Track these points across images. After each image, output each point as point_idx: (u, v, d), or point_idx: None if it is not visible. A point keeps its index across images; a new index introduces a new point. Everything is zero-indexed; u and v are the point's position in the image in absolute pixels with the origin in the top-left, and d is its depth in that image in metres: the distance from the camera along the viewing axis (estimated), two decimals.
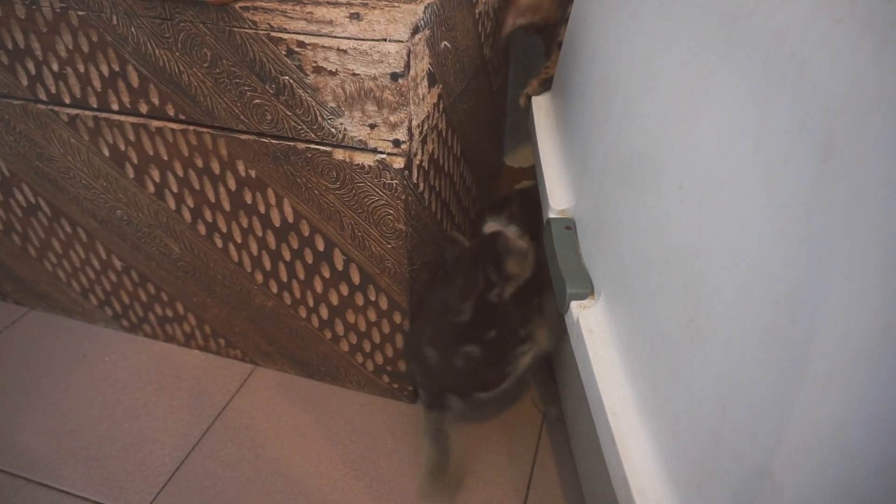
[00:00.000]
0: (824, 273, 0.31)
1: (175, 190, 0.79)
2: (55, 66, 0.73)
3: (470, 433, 0.85)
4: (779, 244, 0.35)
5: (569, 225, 0.66)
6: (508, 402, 0.88)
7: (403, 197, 0.69)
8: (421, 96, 0.67)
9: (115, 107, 0.74)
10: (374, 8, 0.63)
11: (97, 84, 0.73)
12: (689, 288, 0.42)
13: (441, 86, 0.74)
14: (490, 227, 0.77)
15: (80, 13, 0.68)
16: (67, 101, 0.76)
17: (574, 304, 0.58)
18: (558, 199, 0.70)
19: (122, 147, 0.77)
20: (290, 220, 0.76)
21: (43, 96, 0.76)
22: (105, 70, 0.72)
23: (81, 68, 0.72)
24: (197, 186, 0.77)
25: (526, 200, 0.92)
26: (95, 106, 0.75)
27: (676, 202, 0.45)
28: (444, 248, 0.81)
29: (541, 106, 0.88)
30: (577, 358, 0.56)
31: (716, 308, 0.39)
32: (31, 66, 0.74)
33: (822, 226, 0.32)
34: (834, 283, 0.31)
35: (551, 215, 0.69)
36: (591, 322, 0.55)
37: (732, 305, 0.38)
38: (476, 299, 0.71)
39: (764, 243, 0.36)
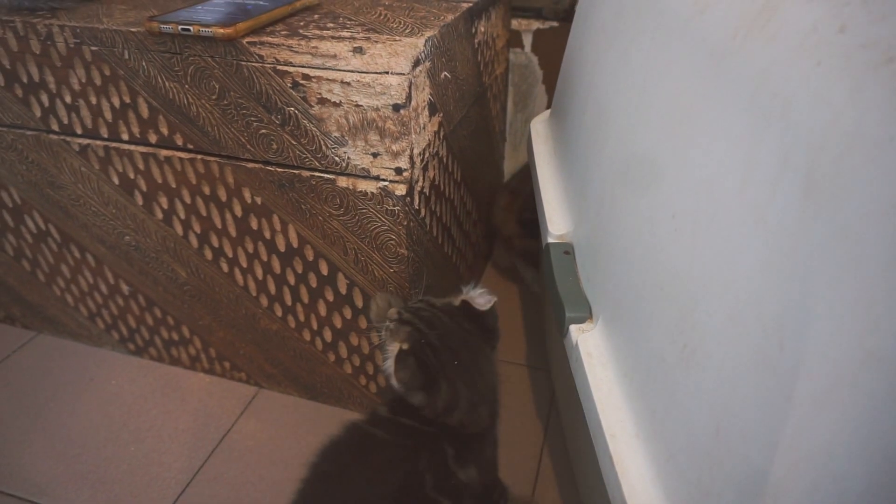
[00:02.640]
0: (809, 301, 0.33)
1: (182, 216, 0.81)
2: (68, 99, 0.76)
3: None
4: (766, 273, 0.36)
5: (567, 250, 0.68)
6: (510, 425, 0.89)
7: (405, 223, 0.71)
8: (422, 125, 0.69)
9: (126, 137, 0.76)
10: (376, 42, 0.65)
11: (108, 115, 0.75)
12: (682, 313, 0.44)
13: (441, 114, 0.76)
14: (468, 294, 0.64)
15: (94, 48, 0.70)
16: (79, 131, 0.78)
17: (573, 328, 0.60)
18: (557, 224, 0.72)
19: (132, 175, 0.79)
20: (295, 245, 0.77)
21: (56, 127, 0.79)
22: (116, 102, 0.74)
23: (93, 100, 0.75)
24: (204, 213, 0.79)
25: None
26: (106, 136, 0.77)
27: (670, 230, 0.47)
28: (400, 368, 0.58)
29: (539, 132, 0.90)
30: (576, 381, 0.57)
31: (708, 333, 0.41)
32: (44, 98, 0.77)
33: (806, 256, 0.34)
34: (818, 311, 0.33)
35: (550, 240, 0.71)
36: (589, 345, 0.57)
37: (724, 331, 0.39)
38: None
39: (752, 272, 0.37)
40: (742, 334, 0.37)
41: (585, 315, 0.60)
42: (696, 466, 0.41)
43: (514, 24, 1.10)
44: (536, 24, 1.10)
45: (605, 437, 0.49)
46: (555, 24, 1.09)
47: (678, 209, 0.46)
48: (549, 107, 1.13)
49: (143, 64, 0.70)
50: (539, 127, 0.92)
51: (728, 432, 0.38)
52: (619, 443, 0.49)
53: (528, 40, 1.12)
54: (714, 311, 0.40)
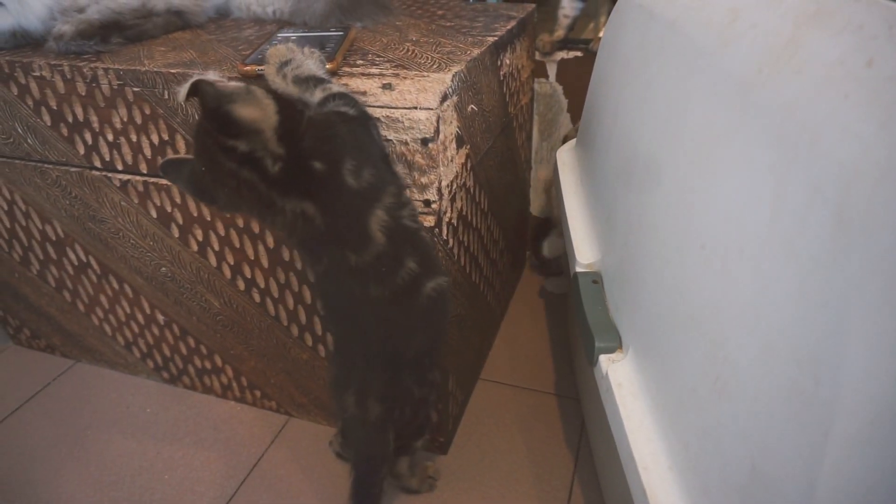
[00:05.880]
0: (844, 334, 0.33)
1: (216, 248, 0.83)
2: (110, 137, 0.79)
3: (500, 489, 0.85)
4: (799, 305, 0.36)
5: (596, 279, 0.68)
6: (539, 455, 0.89)
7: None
8: (450, 158, 0.70)
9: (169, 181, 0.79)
10: (405, 78, 0.67)
11: (148, 152, 0.78)
12: (714, 345, 0.44)
13: (469, 146, 0.77)
14: (183, 89, 0.56)
15: (136, 89, 0.74)
16: (120, 167, 0.81)
17: (603, 358, 0.59)
18: (584, 253, 0.72)
19: (169, 209, 0.82)
20: None
21: (98, 164, 0.82)
22: (156, 139, 0.77)
23: (134, 138, 0.78)
24: (237, 245, 0.81)
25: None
26: (146, 172, 0.80)
27: (699, 261, 0.47)
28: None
29: (566, 161, 0.91)
30: (607, 411, 0.57)
31: (741, 366, 0.41)
32: (88, 136, 0.80)
33: (840, 288, 0.33)
34: (854, 345, 0.32)
35: (578, 269, 0.71)
36: (620, 376, 0.56)
37: (757, 364, 0.39)
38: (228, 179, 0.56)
39: (785, 304, 0.37)
40: (776, 368, 0.37)
41: (615, 345, 0.60)
42: (731, 502, 0.40)
43: (539, 54, 1.12)
44: (561, 55, 1.12)
45: (637, 469, 0.49)
46: (579, 53, 1.11)
47: (707, 240, 0.46)
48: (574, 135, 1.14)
49: (182, 103, 0.73)
50: (565, 156, 0.93)
51: (764, 468, 0.38)
52: (652, 475, 0.48)
53: (552, 70, 1.13)
54: (746, 343, 0.40)
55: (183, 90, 0.55)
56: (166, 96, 0.73)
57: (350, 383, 0.70)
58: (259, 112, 0.56)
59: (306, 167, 0.57)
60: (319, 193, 0.58)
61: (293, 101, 0.61)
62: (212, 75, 0.58)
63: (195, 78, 0.55)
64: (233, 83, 0.57)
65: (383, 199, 0.60)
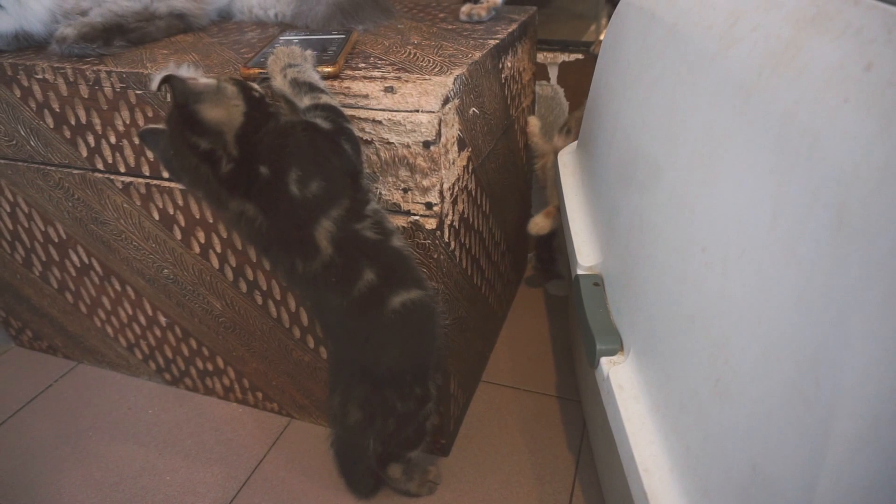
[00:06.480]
0: (844, 337, 0.33)
1: (219, 250, 0.83)
2: (113, 139, 0.79)
3: (501, 491, 0.85)
4: (799, 308, 0.36)
5: (597, 281, 0.68)
6: (540, 457, 0.89)
7: (435, 255, 0.72)
8: (451, 160, 0.71)
9: (166, 174, 0.80)
10: (407, 81, 0.67)
11: (150, 154, 0.79)
12: (715, 347, 0.44)
13: (470, 149, 0.77)
14: (155, 80, 0.58)
15: (138, 92, 0.74)
16: (122, 170, 0.81)
17: (604, 360, 0.59)
18: (586, 255, 0.72)
19: (171, 211, 0.82)
20: None
21: (101, 166, 0.82)
22: None
23: (137, 140, 0.78)
24: (239, 246, 0.82)
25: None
26: (148, 174, 0.80)
27: (700, 264, 0.47)
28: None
29: (567, 164, 0.91)
30: (608, 414, 0.57)
31: (742, 368, 0.41)
32: (91, 139, 0.80)
33: (840, 291, 0.33)
34: (854, 347, 0.32)
35: (580, 272, 0.71)
36: (621, 378, 0.56)
37: (758, 366, 0.39)
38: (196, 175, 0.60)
39: (785, 306, 0.37)
40: (776, 370, 0.37)
41: (616, 347, 0.60)
42: (733, 503, 0.40)
43: (540, 57, 1.12)
44: (562, 57, 1.12)
45: (638, 471, 0.49)
46: (580, 56, 1.11)
47: (708, 243, 0.46)
48: (575, 138, 1.14)
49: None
50: (566, 159, 0.93)
51: (765, 469, 0.38)
52: (653, 478, 0.48)
53: (553, 72, 1.14)
54: (747, 345, 0.40)
55: (154, 80, 0.58)
56: (168, 98, 0.73)
57: (338, 384, 0.71)
58: (224, 113, 0.58)
59: (253, 170, 0.60)
60: (260, 197, 0.61)
61: (266, 103, 0.63)
62: (184, 71, 0.61)
63: (167, 72, 0.57)
64: (204, 80, 0.59)
65: (330, 211, 0.61)
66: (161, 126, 0.62)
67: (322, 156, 0.62)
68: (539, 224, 1.01)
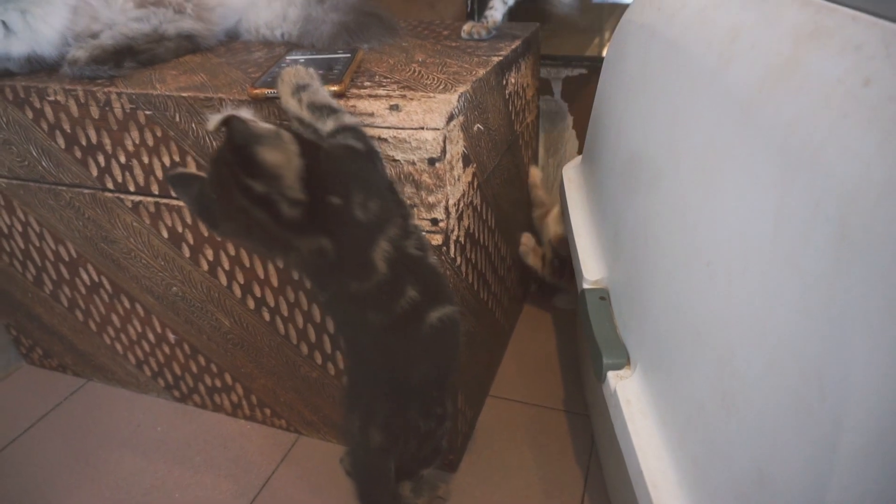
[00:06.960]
0: (849, 349, 0.33)
1: (227, 267, 0.84)
2: (122, 159, 0.80)
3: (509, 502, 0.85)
4: (803, 320, 0.36)
5: (603, 295, 0.68)
6: (548, 471, 0.88)
7: (441, 271, 0.72)
8: (457, 177, 0.71)
9: (175, 193, 0.81)
10: (411, 99, 0.68)
11: (159, 173, 0.80)
12: (721, 361, 0.44)
13: (475, 165, 0.78)
14: (214, 120, 0.56)
15: (147, 112, 0.75)
16: (132, 189, 0.83)
17: (611, 374, 0.60)
18: (591, 269, 0.73)
19: (180, 229, 0.83)
20: None
21: (111, 185, 0.84)
22: (167, 160, 0.78)
23: (146, 160, 0.79)
24: (247, 264, 0.82)
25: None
26: (157, 193, 0.82)
27: (705, 278, 0.47)
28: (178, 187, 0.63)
29: (571, 178, 0.92)
30: (616, 428, 0.57)
31: (748, 381, 0.41)
32: (101, 159, 0.82)
33: (844, 304, 0.34)
34: (859, 360, 0.32)
35: (585, 286, 0.71)
36: (628, 392, 0.57)
37: (763, 379, 0.39)
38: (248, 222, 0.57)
39: (789, 319, 0.37)
40: (781, 383, 0.37)
41: (623, 361, 0.60)
42: None
43: (544, 72, 1.13)
44: (566, 72, 1.13)
45: (646, 486, 0.49)
46: (583, 70, 1.12)
47: (712, 256, 0.46)
48: (580, 152, 1.15)
49: (193, 126, 0.74)
50: (571, 173, 0.93)
51: (772, 482, 0.38)
52: (661, 492, 0.48)
53: (557, 87, 1.15)
54: (752, 358, 0.40)
55: (214, 121, 0.56)
56: (177, 119, 0.74)
57: (357, 406, 0.70)
58: (282, 157, 0.56)
59: (325, 204, 0.58)
60: (335, 228, 0.59)
61: (311, 140, 0.61)
62: (245, 113, 0.59)
63: (229, 113, 0.56)
64: (264, 125, 0.58)
65: (388, 230, 0.61)
66: (192, 171, 0.60)
67: (370, 176, 0.62)
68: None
